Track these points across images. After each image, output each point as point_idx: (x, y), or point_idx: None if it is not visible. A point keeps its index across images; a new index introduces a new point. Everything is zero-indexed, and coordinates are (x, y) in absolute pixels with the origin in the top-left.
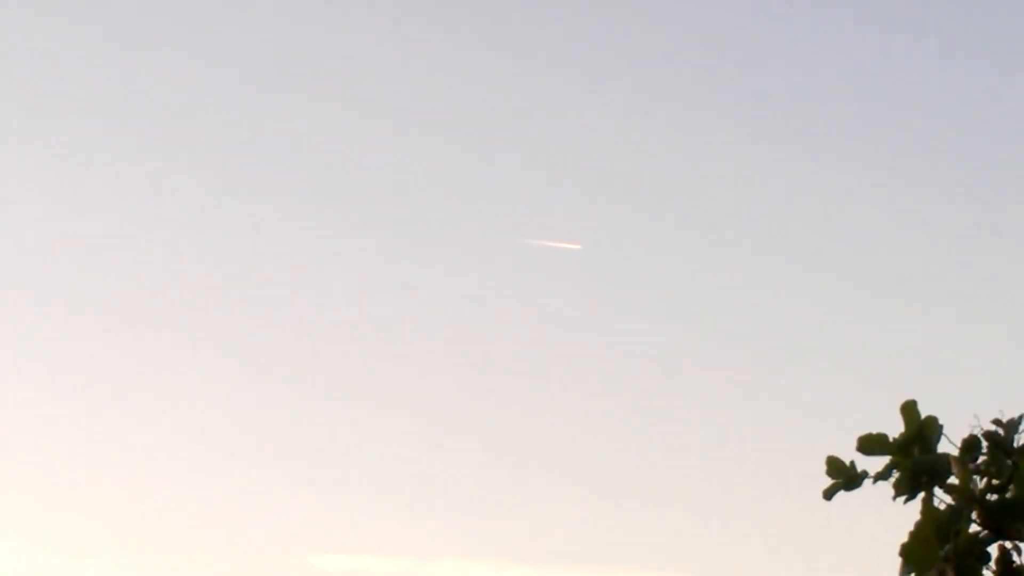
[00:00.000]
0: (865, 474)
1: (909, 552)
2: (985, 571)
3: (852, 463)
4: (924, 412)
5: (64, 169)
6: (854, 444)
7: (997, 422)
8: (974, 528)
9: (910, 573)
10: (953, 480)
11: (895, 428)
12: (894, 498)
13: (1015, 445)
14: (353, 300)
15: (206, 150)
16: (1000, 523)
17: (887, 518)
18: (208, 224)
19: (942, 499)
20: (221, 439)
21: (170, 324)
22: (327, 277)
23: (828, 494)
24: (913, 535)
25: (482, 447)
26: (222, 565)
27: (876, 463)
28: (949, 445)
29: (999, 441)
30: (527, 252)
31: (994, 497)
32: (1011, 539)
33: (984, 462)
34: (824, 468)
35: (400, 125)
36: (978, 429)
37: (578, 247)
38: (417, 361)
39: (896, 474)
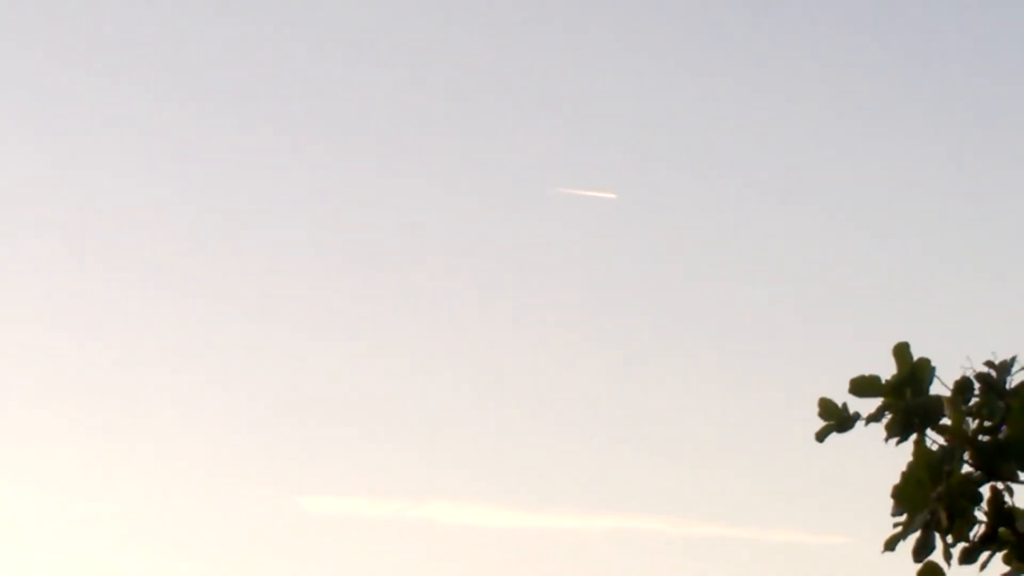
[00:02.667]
0: (858, 416)
1: (901, 493)
2: (977, 511)
3: (845, 405)
4: (917, 354)
5: (69, 149)
6: (847, 386)
7: (990, 364)
8: (966, 469)
9: (902, 513)
10: (945, 421)
11: (888, 370)
12: (886, 439)
13: (1007, 387)
14: (373, 243)
15: (224, 110)
16: (992, 464)
17: (880, 459)
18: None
19: (934, 440)
20: (211, 383)
21: (161, 267)
22: (348, 222)
23: (821, 436)
24: (905, 476)
25: (473, 391)
26: (212, 507)
27: (869, 405)
28: (941, 387)
29: (991, 383)
30: (561, 200)
31: (986, 438)
32: (1003, 480)
33: (976, 404)
34: (817, 410)
35: (433, 75)
36: (971, 371)
37: (613, 196)
38: (426, 307)
39: (888, 416)
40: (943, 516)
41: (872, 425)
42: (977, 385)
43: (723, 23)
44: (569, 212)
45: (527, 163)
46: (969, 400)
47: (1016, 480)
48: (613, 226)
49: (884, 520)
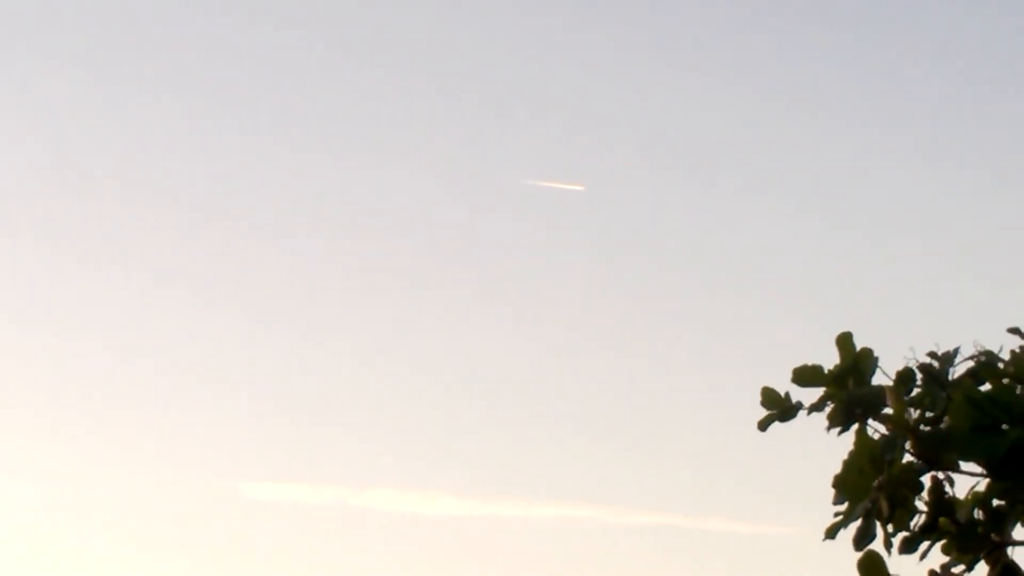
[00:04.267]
0: (800, 405)
1: (843, 482)
2: (917, 501)
3: (787, 394)
4: (860, 344)
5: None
6: (790, 376)
7: (932, 355)
8: (908, 458)
9: (844, 502)
10: (887, 411)
11: (831, 360)
12: (828, 429)
13: (950, 378)
14: (330, 231)
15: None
16: (933, 453)
17: (822, 449)
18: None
19: (876, 429)
20: (152, 368)
21: (105, 246)
22: (315, 213)
23: (763, 425)
24: (847, 465)
25: (417, 379)
26: (152, 493)
27: (811, 395)
28: (884, 378)
29: (934, 374)
30: (529, 193)
31: (928, 428)
32: (944, 470)
33: (919, 394)
34: (760, 399)
35: (400, 65)
36: (913, 362)
37: (581, 188)
38: (374, 294)
39: (831, 406)
40: (884, 505)
41: (814, 415)
42: (919, 376)
43: (693, 15)
44: (537, 204)
45: (494, 155)
46: (911, 390)
47: (957, 470)
48: (581, 219)
49: (826, 510)
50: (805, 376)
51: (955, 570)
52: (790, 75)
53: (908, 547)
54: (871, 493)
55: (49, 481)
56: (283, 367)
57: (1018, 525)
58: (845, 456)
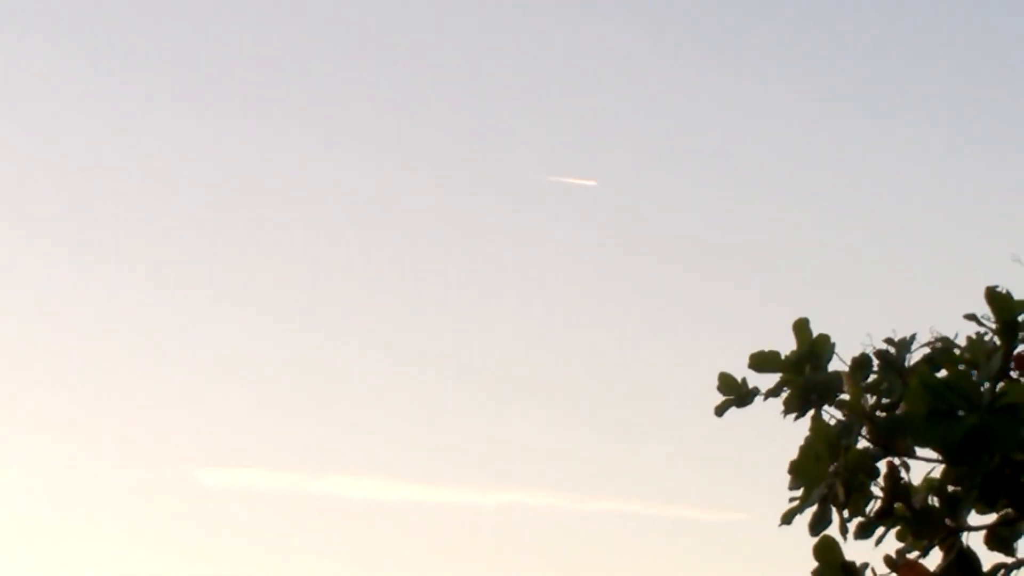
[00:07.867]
0: (756, 391)
1: (799, 467)
2: (873, 487)
3: (744, 380)
4: (816, 330)
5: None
6: (747, 361)
7: (889, 341)
8: (863, 444)
9: (800, 488)
10: (844, 396)
11: (788, 346)
12: (784, 415)
13: (906, 364)
14: (332, 226)
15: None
16: (889, 439)
17: (778, 435)
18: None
19: (832, 415)
20: (106, 351)
21: (58, 228)
22: (313, 204)
23: (720, 410)
24: (803, 451)
25: (371, 364)
26: (108, 480)
27: (768, 380)
28: (840, 364)
29: (891, 360)
30: (543, 188)
31: (884, 414)
32: (899, 455)
33: (875, 380)
34: (716, 384)
35: (415, 61)
36: (870, 348)
37: (594, 183)
38: (321, 279)
39: (787, 391)
40: (840, 490)
41: (771, 400)
42: (876, 362)
43: (706, 10)
44: (550, 199)
45: (506, 150)
46: (868, 376)
47: (913, 456)
48: (594, 214)
49: (782, 495)
50: (762, 361)
51: (910, 555)
52: (779, 72)
53: (863, 532)
54: (827, 479)
55: (3, 468)
56: (239, 353)
57: (972, 511)
58: (801, 442)
